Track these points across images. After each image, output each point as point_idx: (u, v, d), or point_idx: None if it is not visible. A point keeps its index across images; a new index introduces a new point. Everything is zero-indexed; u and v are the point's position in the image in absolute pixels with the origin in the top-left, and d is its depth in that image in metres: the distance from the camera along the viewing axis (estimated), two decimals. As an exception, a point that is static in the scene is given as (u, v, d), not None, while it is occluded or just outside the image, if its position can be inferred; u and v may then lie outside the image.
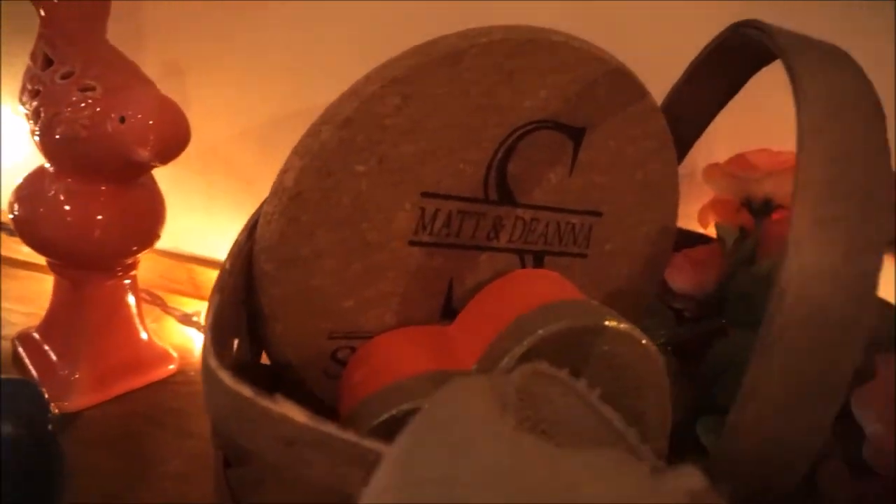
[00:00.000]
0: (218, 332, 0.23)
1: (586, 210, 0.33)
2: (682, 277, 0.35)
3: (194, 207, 0.39)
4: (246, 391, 0.21)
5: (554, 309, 0.25)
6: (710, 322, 0.34)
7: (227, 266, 0.26)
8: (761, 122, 0.40)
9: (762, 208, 0.35)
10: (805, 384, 0.17)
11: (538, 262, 0.33)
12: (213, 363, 0.21)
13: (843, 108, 0.19)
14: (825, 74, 0.20)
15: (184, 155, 0.37)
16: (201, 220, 0.39)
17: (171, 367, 0.36)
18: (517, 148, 0.29)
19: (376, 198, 0.28)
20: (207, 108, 0.40)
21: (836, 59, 0.20)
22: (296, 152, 0.26)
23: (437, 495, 0.15)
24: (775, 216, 0.35)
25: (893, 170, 0.18)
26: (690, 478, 0.17)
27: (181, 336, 0.39)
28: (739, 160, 0.35)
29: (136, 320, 0.35)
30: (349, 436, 0.20)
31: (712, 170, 0.36)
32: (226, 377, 0.21)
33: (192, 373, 0.37)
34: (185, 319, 0.39)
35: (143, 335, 0.35)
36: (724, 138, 0.37)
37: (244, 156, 0.38)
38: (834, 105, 0.19)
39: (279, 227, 0.26)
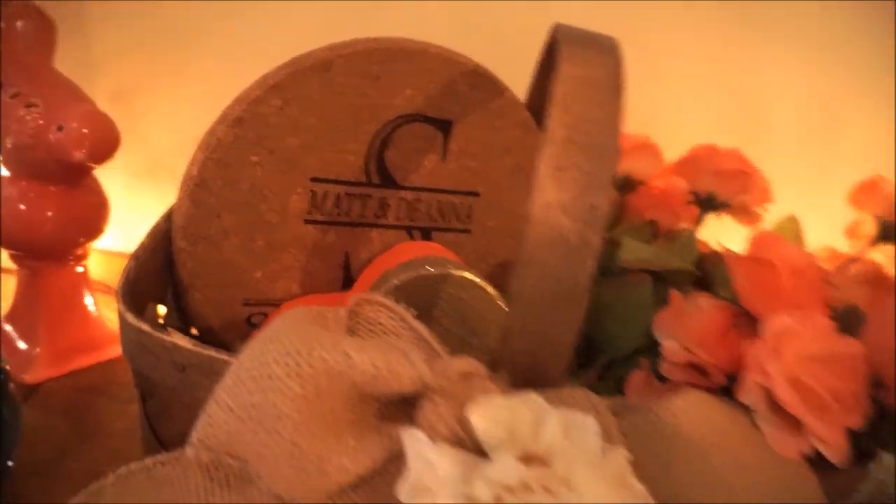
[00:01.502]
0: (129, 287, 0.28)
1: (463, 191, 0.38)
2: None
3: (145, 211, 0.44)
4: (145, 326, 0.26)
5: (411, 263, 0.31)
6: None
7: (146, 241, 0.31)
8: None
9: (623, 184, 0.41)
10: (554, 292, 0.23)
11: (426, 236, 0.38)
12: (122, 307, 0.27)
13: (584, 85, 0.24)
14: (578, 59, 0.25)
15: (134, 166, 0.43)
16: (151, 223, 0.44)
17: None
18: (392, 138, 0.35)
19: (271, 183, 0.33)
20: (153, 124, 0.46)
21: (594, 48, 0.26)
22: (199, 147, 0.32)
23: (251, 379, 0.21)
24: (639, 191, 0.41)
25: (618, 135, 0.24)
26: (465, 361, 0.22)
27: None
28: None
29: (89, 305, 0.40)
30: (224, 355, 0.25)
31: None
32: (130, 317, 0.26)
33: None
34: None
35: (96, 319, 0.41)
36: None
37: (185, 164, 0.43)
38: (579, 83, 0.24)
39: (188, 209, 0.32)
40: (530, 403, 0.20)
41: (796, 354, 0.24)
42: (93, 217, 0.38)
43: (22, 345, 0.37)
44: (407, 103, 0.34)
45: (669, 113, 0.47)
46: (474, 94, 0.36)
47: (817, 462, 0.25)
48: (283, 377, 0.20)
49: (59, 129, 0.33)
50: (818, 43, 0.46)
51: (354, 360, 0.20)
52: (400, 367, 0.20)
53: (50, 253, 0.37)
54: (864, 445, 0.25)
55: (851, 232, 0.39)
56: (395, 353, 0.20)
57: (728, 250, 0.29)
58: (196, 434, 0.22)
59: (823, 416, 0.24)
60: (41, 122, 0.33)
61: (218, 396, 0.22)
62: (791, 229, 0.38)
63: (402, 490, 0.20)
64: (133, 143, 0.39)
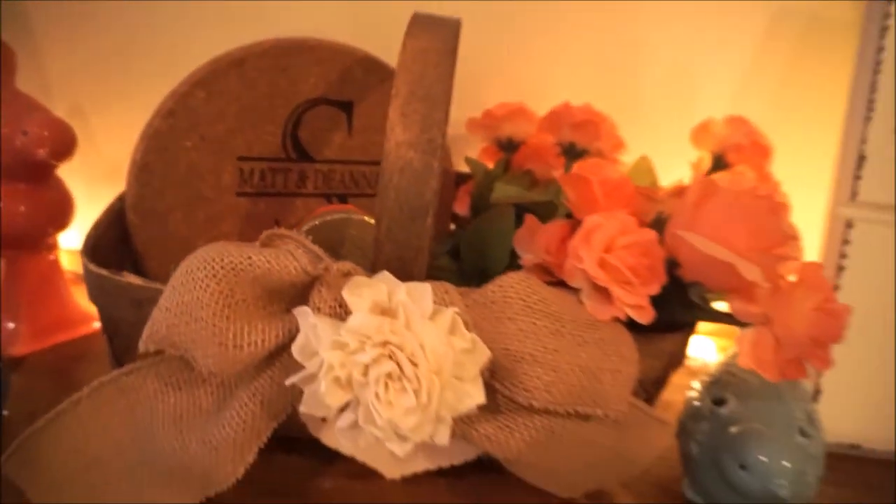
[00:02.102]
0: (90, 246, 0.35)
1: (371, 161, 0.46)
2: (458, 205, 0.48)
3: None
4: (104, 272, 0.33)
5: (322, 214, 0.38)
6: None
7: (102, 217, 0.38)
8: (513, 82, 0.54)
9: (507, 145, 0.48)
10: (405, 208, 0.30)
11: (343, 202, 0.46)
12: (85, 260, 0.34)
13: (422, 53, 0.32)
14: (419, 34, 0.33)
15: (92, 173, 0.49)
16: None
17: (95, 324, 0.49)
18: (303, 120, 0.42)
19: (205, 164, 0.41)
20: (108, 135, 0.52)
21: (435, 26, 0.33)
22: (140, 138, 0.39)
23: (181, 285, 0.28)
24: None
25: (449, 88, 0.31)
26: (346, 264, 0.30)
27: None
28: (485, 114, 0.49)
29: (63, 289, 0.47)
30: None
31: (471, 123, 0.49)
32: (93, 266, 0.33)
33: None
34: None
35: (70, 299, 0.48)
36: (480, 101, 0.50)
37: None
38: (418, 51, 0.32)
39: (136, 190, 0.39)
40: (386, 279, 0.27)
41: (602, 242, 0.32)
42: (59, 210, 0.44)
43: (8, 324, 0.44)
44: (312, 89, 0.42)
45: (548, 81, 0.55)
46: (369, 77, 0.43)
47: (631, 324, 0.32)
48: (202, 278, 0.27)
49: (24, 133, 0.40)
50: (680, 17, 0.54)
51: (254, 259, 0.27)
52: (287, 262, 0.28)
53: (24, 243, 0.44)
54: (658, 306, 0.32)
55: (695, 167, 0.47)
56: (284, 254, 0.28)
57: (564, 174, 0.36)
58: (144, 334, 0.29)
59: (627, 288, 0.31)
60: (6, 129, 0.40)
61: (158, 304, 0.29)
62: (644, 167, 0.46)
63: (295, 352, 0.27)
64: (91, 153, 0.46)
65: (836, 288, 0.46)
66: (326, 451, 0.35)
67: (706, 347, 0.57)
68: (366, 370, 0.26)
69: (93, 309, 0.50)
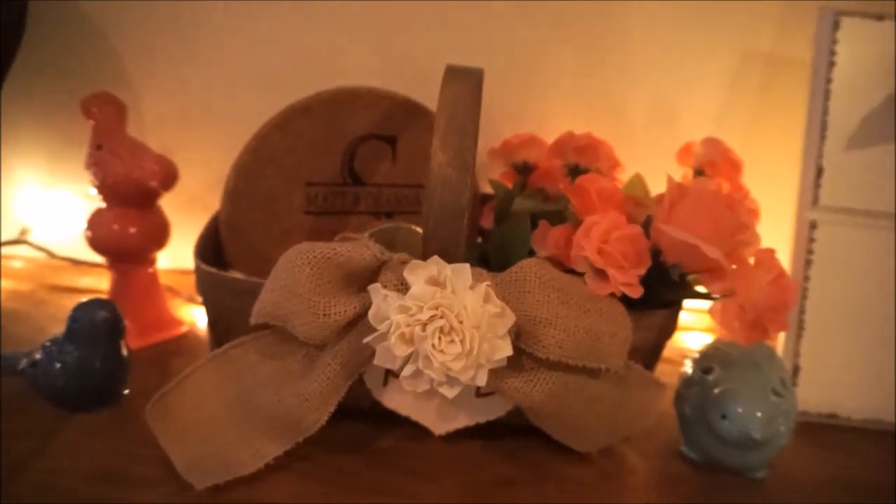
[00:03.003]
0: (199, 250, 0.45)
1: (413, 184, 0.55)
2: (484, 220, 0.57)
3: (188, 237, 0.58)
4: (212, 269, 0.43)
5: (381, 225, 0.48)
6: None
7: (203, 230, 0.48)
8: (525, 116, 0.64)
9: (523, 168, 0.58)
10: (447, 210, 0.39)
11: (389, 219, 0.55)
12: (197, 260, 0.43)
13: (455, 97, 0.41)
14: (452, 82, 0.42)
15: (177, 202, 0.60)
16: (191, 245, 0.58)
17: (184, 328, 0.58)
18: (356, 152, 0.52)
19: (280, 189, 0.51)
20: (190, 171, 0.62)
21: (462, 76, 0.43)
22: (232, 168, 0.49)
23: (283, 270, 0.37)
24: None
25: (476, 122, 0.41)
26: (403, 255, 0.39)
27: (187, 312, 0.61)
28: (504, 144, 0.58)
29: (160, 297, 0.57)
30: (263, 281, 0.42)
31: (491, 152, 0.59)
32: (201, 264, 0.43)
33: (190, 331, 0.59)
34: (192, 300, 0.62)
35: (166, 306, 0.57)
36: (499, 133, 0.60)
37: (218, 199, 0.57)
38: (452, 96, 0.41)
39: (227, 209, 0.49)
40: (436, 261, 0.37)
41: (599, 234, 0.41)
42: (161, 232, 0.55)
43: (122, 324, 0.54)
44: (363, 128, 0.52)
45: (556, 114, 0.65)
46: (408, 117, 0.53)
47: (626, 302, 0.41)
48: (300, 265, 0.37)
49: (140, 168, 0.50)
50: (663, 58, 0.64)
51: (338, 249, 0.37)
52: (363, 252, 0.37)
53: (132, 258, 0.54)
54: (648, 287, 0.41)
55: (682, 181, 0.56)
56: (359, 245, 0.37)
57: (568, 186, 0.45)
58: (255, 310, 0.38)
59: (620, 269, 0.40)
60: (125, 167, 0.51)
61: (264, 287, 0.38)
62: (638, 182, 0.55)
63: (371, 317, 0.36)
64: (177, 186, 0.56)
65: (806, 279, 0.54)
66: (384, 417, 0.44)
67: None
68: (424, 327, 0.35)
69: (181, 315, 0.60)
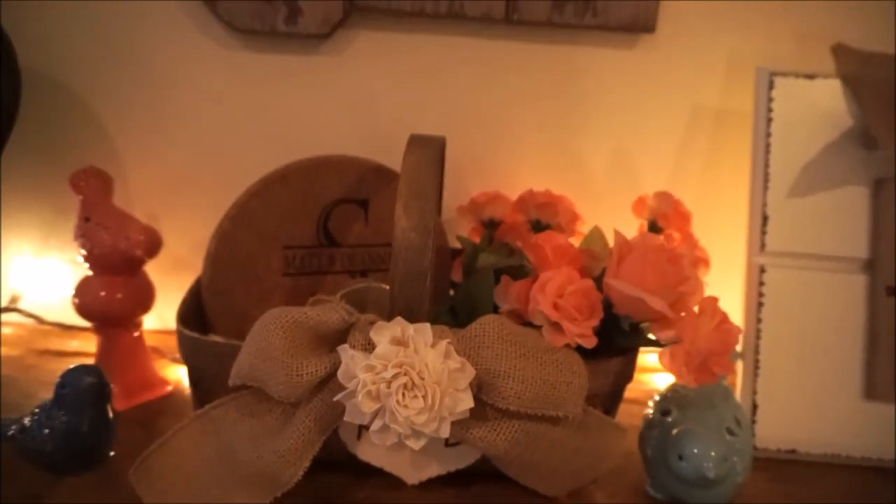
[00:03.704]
0: (181, 315, 0.48)
1: (385, 244, 0.58)
2: (454, 274, 0.60)
3: (173, 298, 0.61)
4: (193, 333, 0.45)
5: (353, 286, 0.51)
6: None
7: (186, 294, 0.51)
8: (490, 175, 0.68)
9: (490, 224, 0.61)
10: (410, 272, 0.42)
11: (363, 277, 0.58)
12: (179, 326, 0.46)
13: (417, 163, 0.45)
14: (415, 149, 0.46)
15: (163, 265, 0.62)
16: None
17: (169, 388, 0.60)
18: (331, 215, 0.56)
19: (259, 252, 0.54)
20: (175, 235, 0.65)
21: (425, 143, 0.46)
22: (213, 236, 0.53)
23: (258, 335, 0.40)
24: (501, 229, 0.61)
25: (437, 187, 0.45)
26: (371, 315, 0.42)
27: (173, 372, 0.64)
28: (471, 202, 0.62)
29: (146, 359, 0.59)
30: (240, 343, 0.44)
31: (460, 210, 0.63)
32: (185, 329, 0.46)
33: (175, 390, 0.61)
34: (176, 360, 0.64)
35: (151, 367, 0.60)
36: (467, 191, 0.64)
37: (200, 260, 0.60)
38: (414, 162, 0.45)
39: (208, 274, 0.52)
40: (399, 321, 0.40)
41: (554, 290, 0.44)
42: (146, 297, 0.57)
43: (106, 387, 0.56)
44: (336, 192, 0.55)
45: (520, 171, 0.69)
46: (379, 180, 0.57)
47: (580, 349, 0.44)
48: (272, 329, 0.39)
49: (127, 238, 0.53)
50: (616, 109, 0.68)
51: (308, 314, 0.40)
52: (332, 315, 0.40)
53: (119, 322, 0.56)
54: (603, 337, 0.44)
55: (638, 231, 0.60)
56: (329, 309, 0.40)
57: (527, 242, 0.49)
58: (233, 372, 0.41)
59: (574, 322, 0.43)
60: (112, 237, 0.54)
61: (241, 350, 0.41)
62: (597, 234, 0.58)
63: (340, 376, 0.39)
64: (162, 251, 0.59)
65: (758, 320, 0.57)
66: (360, 469, 0.46)
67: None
68: (388, 384, 0.37)
69: (167, 375, 0.62)
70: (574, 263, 0.47)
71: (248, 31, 0.63)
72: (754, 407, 0.57)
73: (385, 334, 0.39)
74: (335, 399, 0.39)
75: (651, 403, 0.52)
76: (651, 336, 0.46)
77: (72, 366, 0.48)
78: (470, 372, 0.40)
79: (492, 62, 0.67)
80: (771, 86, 0.58)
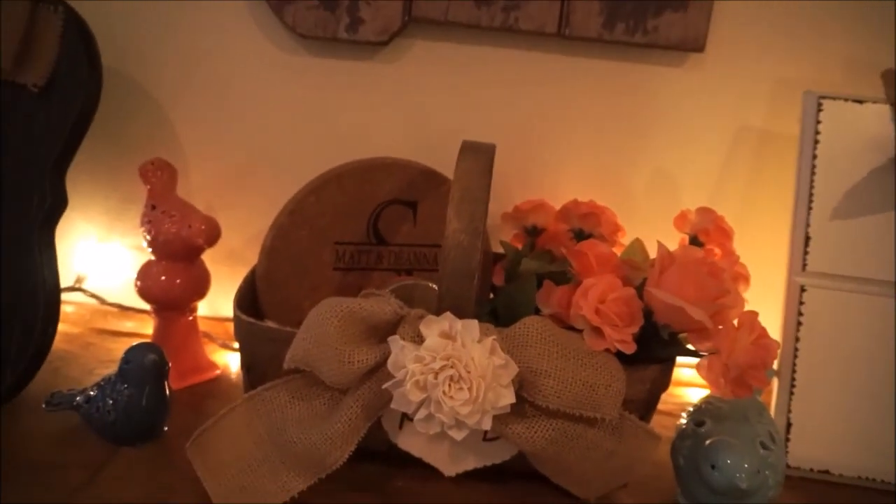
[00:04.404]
0: (238, 301, 0.50)
1: (431, 244, 0.60)
2: (495, 278, 0.62)
3: (227, 288, 0.63)
4: (250, 319, 0.48)
5: (401, 282, 0.53)
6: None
7: (242, 283, 0.54)
8: (535, 184, 0.69)
9: (532, 231, 0.63)
10: (459, 271, 0.44)
11: (409, 275, 0.60)
12: (237, 311, 0.49)
13: (469, 171, 0.47)
14: (467, 157, 0.48)
15: (218, 255, 0.66)
16: (230, 296, 0.62)
17: (217, 371, 0.63)
18: (381, 215, 0.58)
19: (312, 246, 0.56)
20: (230, 227, 0.68)
21: (476, 151, 0.48)
22: (270, 228, 0.55)
23: (314, 322, 0.42)
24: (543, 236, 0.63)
25: (487, 193, 0.46)
26: (420, 310, 0.44)
27: (221, 357, 0.67)
28: (515, 209, 0.64)
29: (198, 343, 0.62)
30: (295, 331, 0.47)
31: (504, 216, 0.64)
32: (241, 313, 0.48)
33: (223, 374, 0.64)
34: (225, 346, 0.67)
35: (204, 351, 0.63)
36: (511, 199, 0.66)
37: (254, 254, 0.62)
38: (466, 170, 0.47)
39: (264, 265, 0.55)
40: (448, 317, 0.42)
41: (596, 296, 0.45)
42: (203, 283, 0.61)
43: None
44: (387, 193, 0.58)
45: (565, 183, 0.70)
46: (428, 184, 0.59)
47: (619, 355, 0.45)
48: (328, 317, 0.42)
49: (189, 227, 0.57)
50: (661, 128, 0.70)
51: (362, 304, 0.42)
52: (385, 307, 0.42)
53: (176, 306, 0.60)
54: (642, 344, 0.45)
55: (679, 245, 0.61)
56: (381, 301, 0.42)
57: (571, 249, 0.50)
58: (288, 356, 0.43)
59: (614, 328, 0.45)
60: (176, 226, 0.57)
61: (296, 336, 0.43)
62: (638, 246, 0.59)
63: (390, 366, 0.41)
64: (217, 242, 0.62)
65: (796, 339, 0.57)
66: (398, 459, 0.48)
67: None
68: (436, 375, 0.39)
69: (216, 359, 0.65)
70: (616, 272, 0.48)
71: (311, 38, 0.66)
72: (788, 425, 0.57)
73: (434, 328, 0.41)
74: (384, 387, 0.41)
75: (685, 414, 0.53)
76: (689, 346, 0.48)
77: (135, 343, 0.51)
78: (513, 369, 0.41)
79: (542, 75, 0.69)
80: (819, 108, 0.59)
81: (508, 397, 0.41)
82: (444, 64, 0.69)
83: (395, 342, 0.41)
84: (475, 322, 0.41)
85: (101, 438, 0.50)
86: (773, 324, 0.55)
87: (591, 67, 0.68)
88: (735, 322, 0.45)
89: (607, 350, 0.45)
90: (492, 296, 0.63)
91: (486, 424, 0.41)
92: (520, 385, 0.43)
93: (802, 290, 0.58)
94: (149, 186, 0.59)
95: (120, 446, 0.51)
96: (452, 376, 0.39)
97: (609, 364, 0.44)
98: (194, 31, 0.68)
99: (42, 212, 0.54)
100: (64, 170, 0.55)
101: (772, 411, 0.57)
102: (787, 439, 0.56)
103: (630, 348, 0.45)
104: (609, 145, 0.70)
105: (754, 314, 0.46)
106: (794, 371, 0.57)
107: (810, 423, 0.57)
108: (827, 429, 0.57)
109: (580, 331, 0.46)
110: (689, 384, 0.69)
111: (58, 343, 0.57)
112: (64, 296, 0.69)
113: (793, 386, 0.57)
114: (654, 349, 0.47)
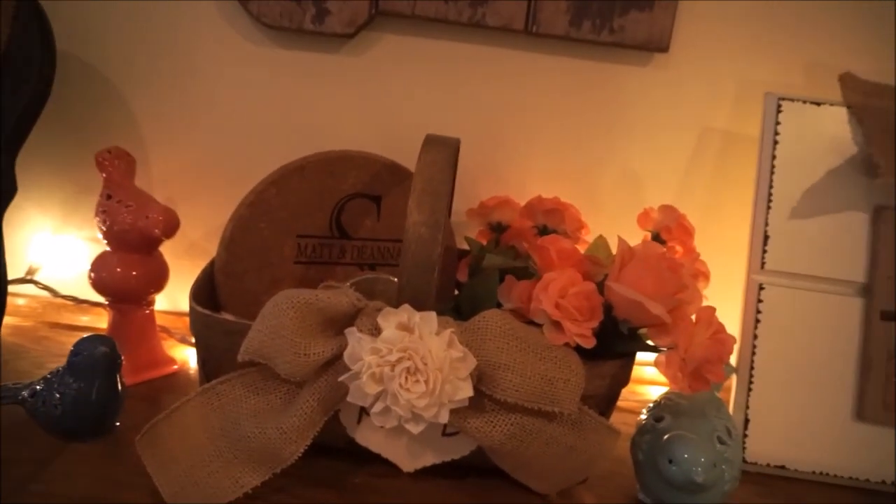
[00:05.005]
0: (194, 293, 0.49)
1: (394, 239, 0.60)
2: (459, 274, 0.62)
3: (186, 280, 0.62)
4: (205, 311, 0.47)
5: (364, 275, 0.52)
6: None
7: (200, 275, 0.53)
8: (500, 180, 0.69)
9: (497, 227, 0.63)
10: (419, 263, 0.44)
11: (372, 270, 0.60)
12: (192, 303, 0.48)
13: (431, 163, 0.47)
14: (430, 149, 0.47)
15: (178, 248, 0.64)
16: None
17: (175, 367, 0.62)
18: (344, 208, 0.57)
19: (273, 239, 0.55)
20: (191, 219, 0.67)
21: (440, 144, 0.48)
22: (229, 220, 0.54)
23: (270, 313, 0.41)
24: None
25: (450, 186, 0.46)
26: (379, 303, 0.43)
27: (180, 352, 0.65)
28: (480, 205, 0.64)
29: (155, 337, 0.61)
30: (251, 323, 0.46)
31: (469, 212, 0.64)
32: (198, 307, 0.47)
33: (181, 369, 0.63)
34: (184, 341, 0.66)
35: (160, 345, 0.61)
36: (477, 195, 0.66)
37: (215, 247, 0.61)
38: (428, 161, 0.47)
39: (224, 257, 0.54)
40: (406, 309, 0.41)
41: (557, 290, 0.45)
42: (160, 276, 0.59)
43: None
44: (351, 187, 0.57)
45: (531, 180, 0.71)
46: (392, 178, 0.59)
47: (579, 350, 0.45)
48: (285, 308, 0.41)
49: (146, 217, 0.55)
50: (627, 126, 0.70)
51: (319, 295, 0.41)
52: (342, 299, 0.42)
53: (132, 298, 0.58)
54: (602, 340, 0.45)
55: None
56: (339, 293, 0.42)
57: (533, 243, 0.50)
58: (242, 349, 0.42)
59: (574, 322, 0.45)
60: (132, 216, 0.56)
61: (252, 328, 0.42)
62: (601, 243, 0.60)
63: (346, 358, 0.41)
64: (177, 234, 0.61)
65: (754, 336, 0.58)
66: (357, 455, 0.48)
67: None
68: (392, 367, 0.39)
69: (174, 354, 0.64)
70: (578, 267, 0.48)
71: (276, 28, 0.65)
72: (746, 421, 0.58)
73: (392, 320, 0.41)
74: (340, 380, 0.41)
75: (645, 411, 0.53)
76: (649, 342, 0.48)
77: (85, 335, 0.50)
78: (471, 362, 0.41)
79: (509, 72, 0.69)
80: (778, 110, 0.60)
81: (466, 390, 0.41)
82: (411, 58, 0.68)
83: (352, 334, 0.41)
84: (433, 314, 0.41)
85: (48, 434, 0.49)
86: (732, 321, 0.56)
87: (558, 65, 0.68)
88: (693, 317, 0.46)
89: (567, 344, 0.45)
90: (457, 292, 0.63)
91: (444, 418, 0.40)
92: (478, 379, 0.42)
93: (761, 287, 0.59)
94: (105, 175, 0.57)
95: (69, 441, 0.49)
96: (409, 368, 0.39)
97: (568, 358, 0.44)
98: (158, 20, 0.67)
99: (-10, 199, 0.52)
100: (14, 154, 0.54)
101: (730, 408, 0.58)
102: (745, 435, 0.57)
103: (589, 342, 0.45)
104: (575, 143, 0.70)
105: (712, 310, 0.46)
106: (752, 368, 0.58)
107: (767, 420, 0.58)
108: (783, 425, 0.58)
109: (540, 325, 0.46)
110: (651, 382, 0.69)
111: (7, 336, 0.55)
112: (15, 288, 0.67)
113: (751, 382, 0.58)
114: (614, 344, 0.47)
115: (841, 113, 0.60)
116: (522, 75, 0.69)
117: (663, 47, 0.66)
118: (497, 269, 0.53)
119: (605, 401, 0.50)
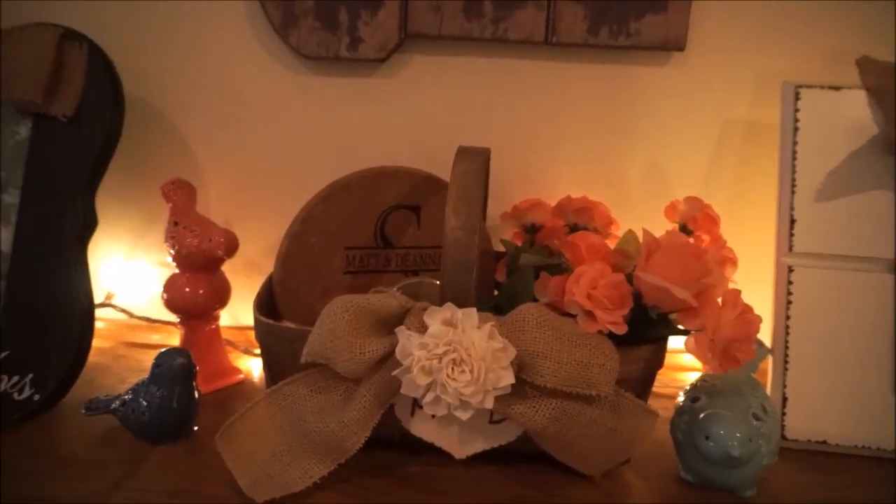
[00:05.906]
0: (258, 305, 0.54)
1: (435, 246, 0.64)
2: (498, 274, 0.66)
3: (244, 297, 0.68)
4: (268, 320, 0.52)
5: (409, 281, 0.56)
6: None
7: (261, 289, 0.58)
8: (531, 184, 0.73)
9: (531, 228, 0.67)
10: (458, 264, 0.47)
11: (415, 275, 0.64)
12: (257, 313, 0.53)
13: (465, 172, 0.51)
14: (463, 159, 0.51)
15: (236, 265, 0.70)
16: (248, 304, 0.67)
17: (240, 376, 0.67)
18: (387, 219, 0.62)
19: (323, 252, 0.60)
20: (247, 239, 0.72)
21: (472, 154, 0.52)
22: (284, 236, 0.59)
23: (327, 317, 0.46)
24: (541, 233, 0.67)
25: (482, 192, 0.50)
26: (424, 303, 0.47)
27: (244, 363, 0.71)
28: (514, 208, 0.67)
29: (221, 349, 0.66)
30: (309, 328, 0.51)
31: (503, 216, 0.68)
32: (262, 317, 0.52)
33: (246, 378, 0.68)
34: (247, 352, 0.71)
35: (226, 356, 0.67)
36: (510, 200, 0.69)
37: (269, 263, 0.66)
38: (462, 171, 0.51)
39: (280, 272, 0.59)
40: (449, 306, 0.45)
41: (588, 282, 0.48)
42: (224, 292, 0.65)
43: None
44: (392, 199, 0.62)
45: (561, 181, 0.74)
46: (430, 189, 0.63)
47: (612, 337, 0.48)
48: (340, 312, 0.45)
49: (210, 240, 0.61)
50: (651, 124, 0.73)
51: (370, 299, 0.46)
52: (392, 301, 0.46)
53: (200, 315, 0.64)
54: (634, 326, 0.48)
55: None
56: (388, 295, 0.46)
57: (564, 240, 0.54)
58: (305, 351, 0.47)
59: (605, 311, 0.48)
60: (197, 239, 0.62)
61: (312, 332, 0.47)
62: (630, 237, 0.62)
63: (398, 353, 0.45)
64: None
65: (787, 317, 0.60)
66: (413, 447, 0.52)
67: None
68: (440, 359, 0.43)
69: (239, 365, 0.69)
70: (606, 260, 0.51)
71: (315, 58, 0.71)
72: (784, 399, 0.59)
73: (437, 317, 0.45)
74: (393, 374, 0.45)
75: (682, 393, 0.56)
76: (679, 326, 0.51)
77: (164, 349, 0.55)
78: (511, 351, 0.45)
79: (533, 81, 0.72)
80: (797, 97, 0.62)
81: (508, 378, 0.44)
82: (440, 76, 0.73)
83: (402, 332, 0.45)
84: (474, 310, 0.45)
85: (136, 438, 0.54)
86: (764, 304, 0.58)
87: (579, 71, 0.72)
88: (719, 300, 0.48)
89: (600, 332, 0.48)
90: (497, 293, 0.67)
91: (489, 403, 0.44)
92: (519, 367, 0.46)
93: (790, 270, 0.61)
94: (171, 204, 0.63)
95: (155, 445, 0.54)
96: (455, 360, 0.43)
97: (602, 344, 0.48)
98: (207, 57, 0.73)
99: (74, 231, 0.58)
100: (93, 192, 0.60)
101: (768, 388, 0.60)
102: (784, 413, 0.59)
103: (621, 329, 0.48)
104: (600, 144, 0.74)
105: (737, 292, 0.49)
106: (786, 348, 0.60)
107: (806, 397, 0.59)
108: (822, 401, 0.59)
109: (574, 316, 0.49)
110: (688, 368, 0.72)
111: (92, 356, 0.61)
112: (95, 312, 0.74)
113: (786, 362, 0.60)
114: (646, 330, 0.50)
115: (859, 96, 0.61)
116: (546, 84, 0.72)
117: (680, 46, 0.69)
118: (532, 267, 0.56)
119: (641, 384, 0.53)
